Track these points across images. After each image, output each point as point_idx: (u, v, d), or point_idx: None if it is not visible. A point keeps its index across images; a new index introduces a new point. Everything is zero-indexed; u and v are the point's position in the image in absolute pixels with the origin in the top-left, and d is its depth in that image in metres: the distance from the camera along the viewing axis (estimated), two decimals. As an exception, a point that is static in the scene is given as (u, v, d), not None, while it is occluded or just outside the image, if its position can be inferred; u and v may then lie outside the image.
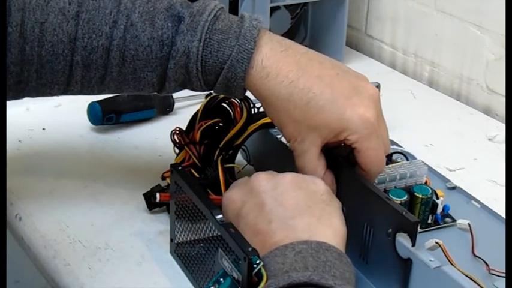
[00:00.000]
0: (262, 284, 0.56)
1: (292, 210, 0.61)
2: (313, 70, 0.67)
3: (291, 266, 0.56)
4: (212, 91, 0.71)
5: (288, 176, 0.64)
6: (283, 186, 0.63)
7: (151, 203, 0.78)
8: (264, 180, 0.63)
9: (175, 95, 0.98)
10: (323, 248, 0.58)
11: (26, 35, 0.65)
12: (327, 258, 0.57)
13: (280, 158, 0.68)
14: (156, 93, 0.72)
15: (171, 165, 0.70)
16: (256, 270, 0.57)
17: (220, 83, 0.68)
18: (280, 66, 0.66)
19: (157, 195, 0.71)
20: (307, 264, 0.56)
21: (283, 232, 0.59)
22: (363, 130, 0.65)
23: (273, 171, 0.66)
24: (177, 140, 0.79)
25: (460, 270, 0.60)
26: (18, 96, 0.69)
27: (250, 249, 0.58)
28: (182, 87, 0.71)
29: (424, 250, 0.62)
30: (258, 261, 0.57)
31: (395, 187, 0.71)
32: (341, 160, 0.69)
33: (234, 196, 0.64)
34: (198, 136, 0.78)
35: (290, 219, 0.60)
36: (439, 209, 0.71)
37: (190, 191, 0.66)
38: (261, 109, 0.74)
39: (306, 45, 1.20)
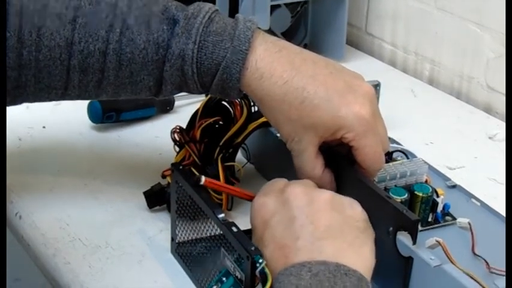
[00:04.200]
0: (268, 284, 0.55)
1: (322, 232, 0.58)
2: (307, 70, 0.67)
3: None
4: (209, 93, 0.71)
5: (326, 195, 0.62)
6: (318, 204, 0.60)
7: (153, 199, 0.79)
8: (300, 193, 0.61)
9: (175, 93, 0.98)
10: (341, 271, 0.55)
11: (23, 39, 0.65)
12: (345, 285, 0.54)
13: (281, 156, 0.68)
14: (153, 96, 0.72)
15: (172, 164, 0.70)
16: (259, 269, 0.57)
17: (216, 84, 0.68)
18: (275, 66, 0.66)
19: (203, 178, 0.66)
20: None
21: (309, 253, 0.57)
22: (358, 128, 0.65)
23: (311, 184, 0.64)
24: (177, 139, 0.79)
25: (460, 269, 0.60)
26: (16, 101, 0.70)
27: (253, 248, 0.58)
28: (179, 90, 0.71)
29: (425, 248, 0.62)
30: (260, 260, 0.57)
31: (395, 185, 0.71)
32: (341, 158, 0.69)
33: (266, 203, 0.62)
34: (198, 134, 0.78)
35: (318, 240, 0.58)
36: (439, 208, 0.71)
37: (192, 190, 0.66)
38: (260, 108, 0.74)
39: (306, 44, 1.22)
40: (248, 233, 0.62)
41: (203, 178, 0.66)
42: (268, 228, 0.60)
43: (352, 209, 0.62)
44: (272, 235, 0.59)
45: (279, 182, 0.65)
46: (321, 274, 0.54)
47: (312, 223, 0.59)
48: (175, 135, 0.79)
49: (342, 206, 0.61)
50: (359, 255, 0.58)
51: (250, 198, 0.66)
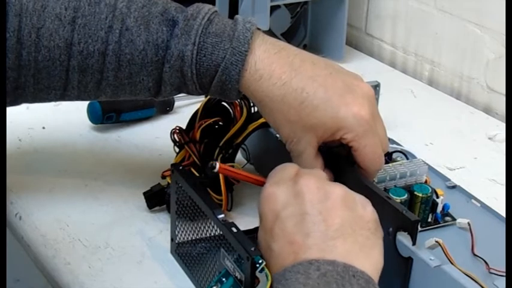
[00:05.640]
0: (268, 284, 0.55)
1: (335, 230, 0.57)
2: (306, 71, 0.67)
3: None
4: (208, 95, 0.71)
5: (339, 191, 0.59)
6: (331, 201, 0.58)
7: (153, 200, 0.79)
8: (313, 188, 0.59)
9: (175, 94, 0.98)
10: (350, 273, 0.54)
11: (22, 40, 0.66)
12: (352, 287, 0.53)
13: (280, 157, 0.68)
14: (152, 97, 0.72)
15: (172, 165, 0.70)
16: (259, 269, 0.57)
17: (215, 86, 0.68)
18: (273, 68, 0.66)
19: (217, 165, 0.65)
20: None
21: (320, 252, 0.56)
22: (358, 128, 0.65)
23: (323, 175, 0.62)
24: (177, 139, 0.79)
25: (460, 269, 0.60)
26: (16, 102, 0.70)
27: (253, 248, 0.58)
28: (178, 91, 0.71)
29: (424, 249, 0.62)
30: (260, 261, 0.57)
31: (395, 186, 0.71)
32: (340, 159, 0.69)
33: (277, 193, 0.60)
34: (198, 135, 0.78)
35: (330, 239, 0.56)
36: (439, 208, 0.71)
37: (192, 191, 0.66)
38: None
39: (305, 44, 1.22)
40: (248, 233, 0.61)
41: (217, 164, 0.65)
42: (278, 221, 0.58)
43: (364, 209, 0.60)
44: (282, 229, 0.58)
45: (290, 169, 0.62)
46: (329, 275, 0.54)
47: (324, 221, 0.57)
48: (175, 136, 0.79)
49: (354, 204, 0.59)
50: (369, 257, 0.57)
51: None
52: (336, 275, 0.54)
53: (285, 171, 0.62)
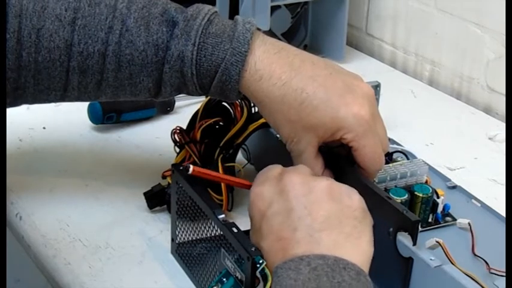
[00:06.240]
0: (268, 284, 0.55)
1: (320, 223, 0.57)
2: (306, 71, 0.67)
3: (303, 285, 0.53)
4: (208, 95, 0.71)
5: (323, 184, 0.60)
6: (316, 194, 0.59)
7: (153, 200, 0.79)
8: (297, 183, 0.60)
9: (175, 94, 0.98)
10: (340, 265, 0.55)
11: (22, 41, 0.66)
12: (343, 278, 0.54)
13: (280, 157, 0.68)
14: (152, 98, 0.72)
15: (172, 165, 0.70)
16: (259, 269, 0.57)
17: (215, 86, 0.68)
18: (273, 68, 0.67)
19: (191, 167, 0.66)
20: (321, 286, 0.53)
21: (307, 245, 0.56)
22: (358, 128, 0.66)
23: (307, 171, 0.63)
24: (178, 139, 0.79)
25: (460, 269, 0.60)
26: (16, 102, 0.70)
27: (253, 248, 0.58)
28: (178, 91, 0.71)
29: (425, 249, 0.62)
30: (261, 261, 0.57)
31: (395, 186, 0.71)
32: (341, 159, 0.69)
33: (262, 193, 0.61)
34: (198, 135, 0.78)
35: (317, 231, 0.57)
36: (440, 208, 0.71)
37: (192, 191, 0.66)
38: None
39: (306, 45, 1.22)
40: (248, 233, 0.62)
41: (191, 167, 0.65)
42: (265, 220, 0.59)
43: (350, 198, 0.60)
44: (270, 226, 0.58)
45: (274, 169, 0.63)
46: (320, 268, 0.54)
47: (309, 214, 0.58)
48: (176, 136, 0.79)
49: (339, 195, 0.60)
50: (356, 246, 0.58)
51: (244, 186, 0.66)
52: (326, 267, 0.54)
53: (270, 171, 0.63)
